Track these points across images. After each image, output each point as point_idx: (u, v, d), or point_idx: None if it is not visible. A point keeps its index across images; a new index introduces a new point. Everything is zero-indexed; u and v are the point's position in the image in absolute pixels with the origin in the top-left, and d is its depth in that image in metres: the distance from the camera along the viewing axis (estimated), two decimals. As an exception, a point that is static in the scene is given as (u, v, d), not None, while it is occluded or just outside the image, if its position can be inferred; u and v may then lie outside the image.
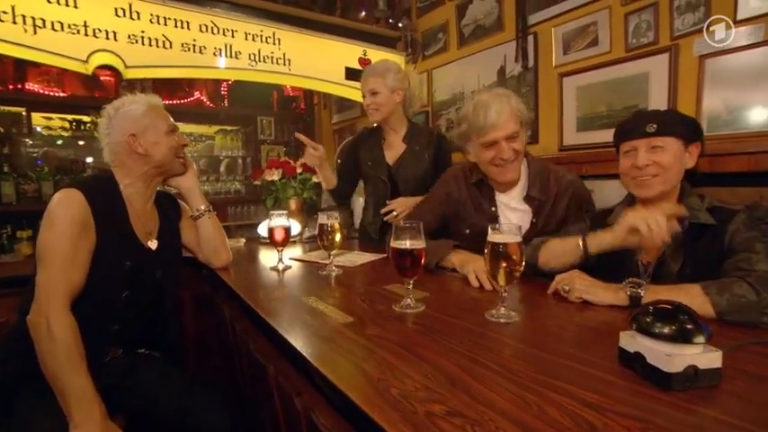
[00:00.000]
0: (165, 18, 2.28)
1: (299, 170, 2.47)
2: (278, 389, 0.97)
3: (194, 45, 2.33)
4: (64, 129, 3.82)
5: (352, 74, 2.82)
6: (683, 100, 1.83)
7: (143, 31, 2.23)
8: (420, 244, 1.04)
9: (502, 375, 0.69)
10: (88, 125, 3.86)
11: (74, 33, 2.09)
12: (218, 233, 1.59)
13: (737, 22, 1.66)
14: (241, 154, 4.47)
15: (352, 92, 2.85)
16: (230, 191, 4.39)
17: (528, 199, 1.50)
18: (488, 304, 1.04)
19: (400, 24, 3.06)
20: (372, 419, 0.57)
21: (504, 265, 0.96)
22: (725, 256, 1.05)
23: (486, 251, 0.99)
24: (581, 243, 1.17)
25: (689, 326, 0.66)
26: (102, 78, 4.04)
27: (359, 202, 2.59)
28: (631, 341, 0.71)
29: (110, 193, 1.29)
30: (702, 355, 0.65)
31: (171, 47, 2.27)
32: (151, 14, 2.25)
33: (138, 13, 2.23)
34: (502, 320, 0.95)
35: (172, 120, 1.42)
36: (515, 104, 1.41)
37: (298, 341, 0.86)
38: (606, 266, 1.16)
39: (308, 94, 4.49)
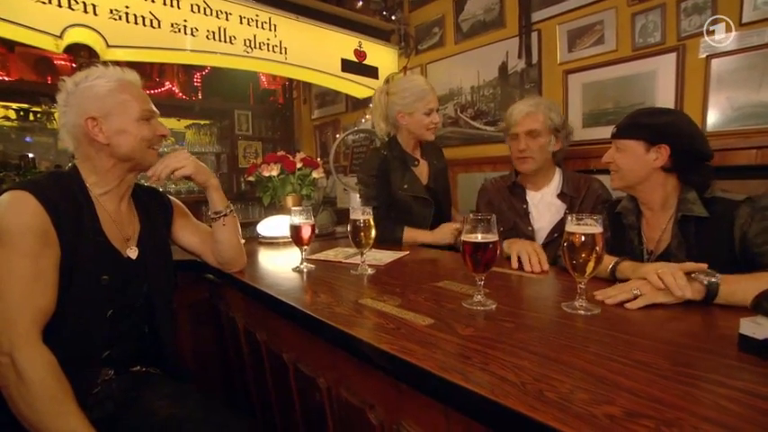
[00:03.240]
0: (152, -7, 2.07)
1: (298, 165, 2.34)
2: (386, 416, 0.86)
3: (185, 26, 2.13)
4: (8, 119, 3.42)
5: (348, 65, 2.72)
6: (689, 98, 1.90)
7: (127, 7, 2.00)
8: (493, 237, 0.98)
9: (642, 369, 0.65)
10: (39, 116, 3.48)
11: (44, 2, 1.84)
12: (237, 238, 1.39)
13: (742, 25, 1.75)
14: (215, 150, 4.21)
15: (349, 85, 2.76)
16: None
17: (562, 195, 1.71)
18: (555, 296, 1.02)
19: (393, 17, 3.00)
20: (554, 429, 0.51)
21: (584, 255, 0.93)
22: (734, 247, 1.11)
23: (564, 243, 0.96)
24: (610, 268, 1.17)
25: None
26: (56, 62, 3.66)
27: (356, 200, 2.50)
28: (759, 328, 0.69)
29: (73, 194, 1.05)
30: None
31: (160, 26, 2.06)
32: (137, -11, 2.03)
33: (122, -13, 2.00)
34: (581, 312, 0.92)
35: (150, 104, 1.16)
36: (544, 110, 1.67)
37: (393, 347, 0.77)
38: (611, 250, 1.21)
39: (287, 88, 4.32)
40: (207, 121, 4.20)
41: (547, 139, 1.67)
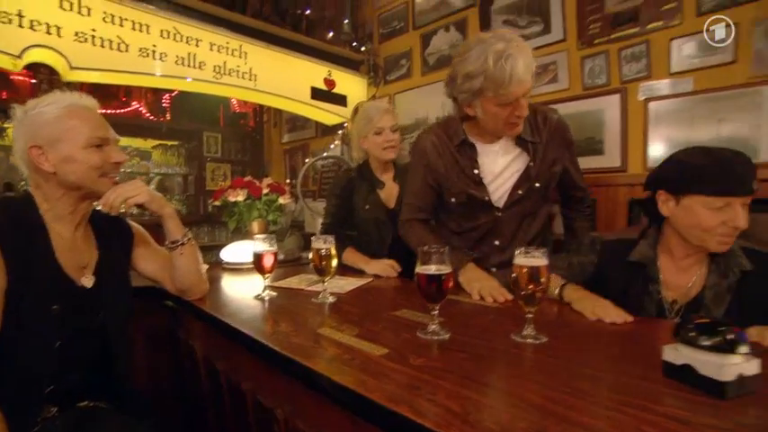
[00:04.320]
0: (121, 18, 2.08)
1: (264, 191, 2.35)
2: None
3: (154, 51, 2.14)
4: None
5: (317, 94, 2.79)
6: (632, 134, 2.07)
7: (94, 30, 2.00)
8: (446, 268, 1.03)
9: (578, 397, 0.69)
10: (-7, 133, 3.34)
11: (4, 22, 1.81)
12: (196, 265, 1.38)
13: (671, 74, 1.94)
14: (183, 171, 4.15)
15: (318, 112, 2.81)
16: (168, 211, 4.04)
17: (521, 142, 1.44)
18: (507, 326, 1.05)
19: (363, 48, 3.10)
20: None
21: (531, 287, 0.99)
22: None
23: (513, 274, 1.02)
24: (557, 291, 1.24)
25: (732, 336, 0.72)
26: (13, 78, 3.54)
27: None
28: (678, 354, 0.75)
29: (24, 220, 1.03)
30: (747, 364, 0.71)
31: (127, 50, 2.07)
32: (104, 13, 2.04)
33: (88, 9, 2.00)
34: (530, 341, 0.97)
35: (104, 130, 1.12)
36: (532, 55, 1.28)
37: (346, 380, 0.79)
38: (620, 302, 1.15)
39: (258, 111, 4.34)
40: (175, 142, 4.15)
41: None
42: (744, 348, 0.71)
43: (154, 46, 2.14)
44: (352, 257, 1.94)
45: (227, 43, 2.40)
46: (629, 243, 1.27)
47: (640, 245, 1.24)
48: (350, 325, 1.12)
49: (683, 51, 1.89)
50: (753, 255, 1.12)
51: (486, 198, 1.49)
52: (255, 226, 2.35)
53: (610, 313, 1.09)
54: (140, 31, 2.12)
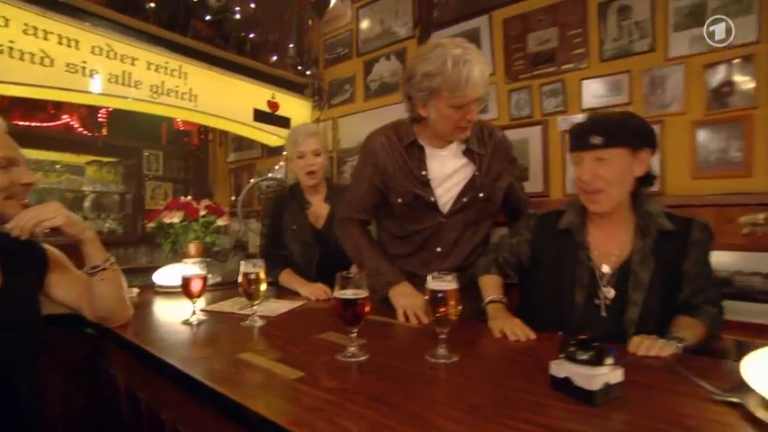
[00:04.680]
0: (45, 32, 1.99)
1: (202, 212, 2.31)
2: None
3: (84, 67, 2.07)
4: None
5: (260, 116, 2.80)
6: (552, 163, 2.25)
7: (12, 42, 1.90)
8: (363, 293, 1.07)
9: (471, 414, 0.75)
10: None
11: None
12: (118, 291, 1.34)
13: (583, 110, 2.14)
14: (120, 189, 3.96)
15: (260, 134, 2.82)
16: (101, 231, 3.83)
17: (468, 152, 1.51)
18: (425, 346, 1.10)
19: (308, 72, 3.17)
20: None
21: (443, 310, 1.06)
22: (682, 266, 1.15)
23: (425, 297, 1.08)
24: (484, 305, 1.34)
25: (600, 350, 0.82)
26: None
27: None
28: (560, 368, 0.85)
29: None
30: (611, 374, 0.80)
31: (53, 65, 1.98)
32: (26, 25, 1.94)
33: (6, 20, 1.90)
34: (442, 361, 1.03)
35: (13, 151, 1.09)
36: (487, 65, 1.37)
37: (256, 404, 0.81)
38: (556, 277, 1.23)
39: (203, 130, 4.26)
40: (112, 159, 3.96)
41: None
42: (610, 360, 0.81)
43: (84, 62, 2.07)
44: (289, 279, 1.95)
45: (167, 63, 2.37)
46: (559, 213, 1.30)
47: (567, 212, 1.28)
48: (273, 349, 1.14)
49: (591, 91, 2.10)
50: (672, 218, 1.17)
51: (432, 199, 1.51)
52: (192, 248, 2.30)
53: (516, 331, 1.18)
54: (68, 45, 2.03)
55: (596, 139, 1.11)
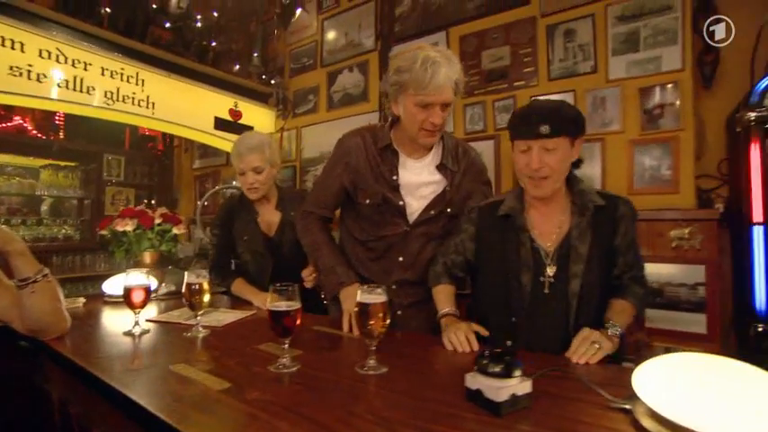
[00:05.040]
0: (-15, 33, 1.93)
1: (157, 221, 2.28)
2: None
3: (30, 71, 2.02)
4: None
5: (221, 124, 2.79)
6: (505, 175, 2.34)
7: (-52, 43, 1.85)
8: (296, 305, 1.10)
9: (383, 426, 0.78)
10: None
11: None
12: (52, 304, 1.30)
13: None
14: (77, 195, 3.85)
15: (220, 141, 2.81)
16: (57, 237, 3.70)
17: (441, 168, 1.52)
18: (359, 358, 1.12)
19: (273, 81, 3.18)
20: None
21: (372, 322, 1.09)
22: (616, 243, 1.24)
23: (355, 308, 1.11)
24: (437, 318, 1.37)
25: (509, 363, 0.86)
26: None
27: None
28: (474, 381, 0.89)
29: None
30: (519, 385, 0.85)
31: (-7, 66, 1.93)
32: (-37, 26, 1.89)
33: (-60, 20, 1.85)
34: (370, 372, 1.06)
35: None
36: (460, 74, 1.38)
37: (171, 416, 0.82)
38: (502, 263, 1.28)
39: (168, 136, 4.20)
40: (70, 163, 3.85)
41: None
42: (518, 372, 0.86)
43: (29, 66, 2.02)
44: (241, 289, 1.93)
45: (122, 69, 2.34)
46: (500, 202, 1.35)
47: (507, 198, 1.33)
48: (207, 360, 1.15)
49: (539, 108, 2.19)
50: (603, 195, 1.26)
51: (401, 203, 1.51)
52: (147, 257, 2.26)
53: (453, 339, 1.21)
54: (12, 48, 1.98)
55: (545, 129, 1.15)
